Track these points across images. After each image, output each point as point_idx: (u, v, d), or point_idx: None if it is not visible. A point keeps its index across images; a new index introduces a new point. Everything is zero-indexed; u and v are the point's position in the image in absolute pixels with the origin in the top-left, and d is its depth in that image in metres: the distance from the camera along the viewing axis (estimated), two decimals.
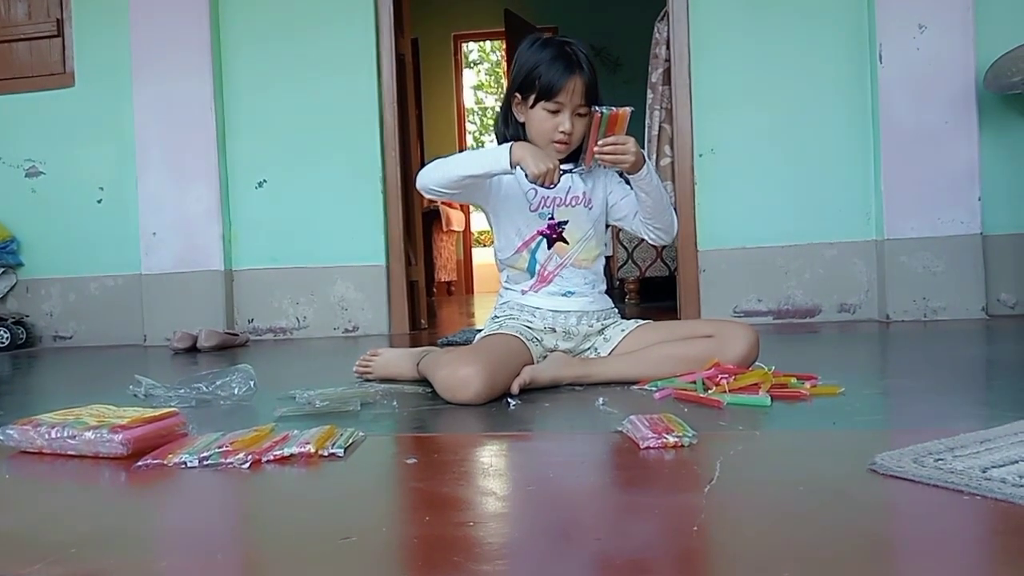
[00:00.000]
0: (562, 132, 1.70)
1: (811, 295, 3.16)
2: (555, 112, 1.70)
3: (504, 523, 0.89)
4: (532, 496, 0.98)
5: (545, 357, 1.76)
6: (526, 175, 1.62)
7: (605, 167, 1.71)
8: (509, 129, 1.78)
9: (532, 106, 1.73)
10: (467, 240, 7.86)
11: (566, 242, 1.79)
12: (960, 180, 2.98)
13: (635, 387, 1.65)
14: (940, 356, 2.23)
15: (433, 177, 1.70)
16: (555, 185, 1.63)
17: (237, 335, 3.23)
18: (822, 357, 2.30)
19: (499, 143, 1.78)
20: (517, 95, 1.77)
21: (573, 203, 1.79)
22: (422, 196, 4.46)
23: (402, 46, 3.58)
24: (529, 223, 1.79)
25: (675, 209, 1.86)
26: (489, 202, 1.80)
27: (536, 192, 1.78)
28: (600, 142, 1.63)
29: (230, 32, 3.50)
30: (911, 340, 2.56)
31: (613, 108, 1.65)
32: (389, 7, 3.44)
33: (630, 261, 4.52)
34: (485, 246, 12.57)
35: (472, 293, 7.67)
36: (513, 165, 1.62)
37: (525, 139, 1.74)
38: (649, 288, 4.72)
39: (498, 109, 1.91)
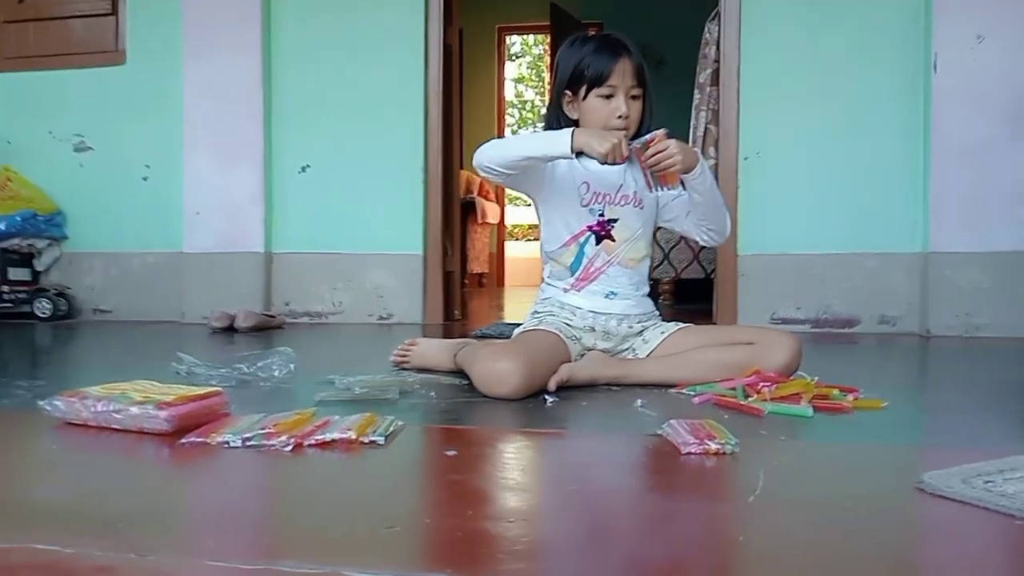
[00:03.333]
0: (619, 116, 1.69)
1: (851, 305, 3.12)
2: (609, 97, 1.71)
3: (546, 522, 0.89)
4: (574, 496, 0.98)
5: (583, 355, 1.75)
6: (596, 159, 1.62)
7: (665, 188, 1.69)
8: (561, 127, 1.77)
9: (585, 97, 1.73)
10: (500, 233, 7.88)
11: (613, 240, 1.78)
12: (1011, 196, 2.92)
13: (673, 390, 1.64)
14: (983, 374, 2.19)
15: (491, 155, 1.70)
16: (627, 159, 1.62)
17: (274, 317, 3.27)
18: (861, 369, 2.27)
19: None
20: (568, 92, 1.77)
21: (623, 202, 1.78)
22: (460, 187, 4.45)
23: (450, 36, 3.58)
24: (580, 217, 1.78)
25: (728, 208, 1.84)
26: (541, 192, 1.80)
27: (589, 187, 1.77)
28: (644, 157, 1.63)
29: (280, 16, 3.53)
30: (953, 356, 2.52)
31: (645, 137, 1.65)
32: None
33: (666, 262, 4.49)
34: (517, 239, 12.56)
35: (503, 286, 7.69)
36: (575, 150, 1.61)
37: None
38: (684, 290, 4.69)
39: (543, 111, 1.91)
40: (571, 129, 1.64)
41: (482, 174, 1.73)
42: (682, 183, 1.70)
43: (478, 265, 6.90)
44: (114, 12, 3.72)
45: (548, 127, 1.81)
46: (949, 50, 2.95)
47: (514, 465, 1.16)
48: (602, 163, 1.63)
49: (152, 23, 3.64)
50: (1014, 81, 2.91)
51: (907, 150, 3.08)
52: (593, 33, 1.80)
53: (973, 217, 2.95)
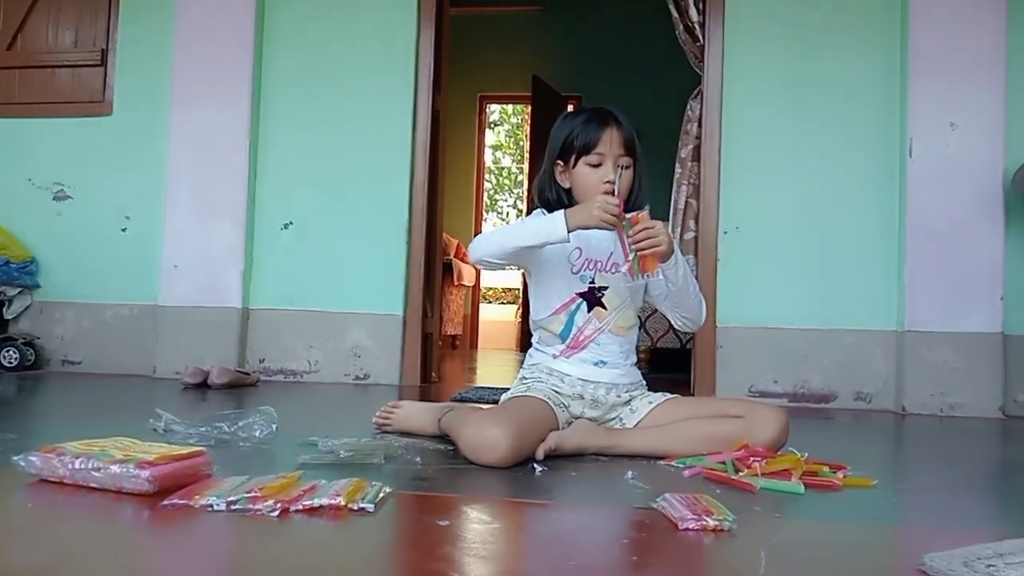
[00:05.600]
0: (607, 182, 1.72)
1: (828, 381, 3.14)
2: (597, 166, 1.74)
3: None
4: (577, 573, 0.95)
5: (570, 423, 1.74)
6: (595, 228, 1.64)
7: (646, 276, 1.68)
8: (553, 194, 1.80)
9: (575, 165, 1.76)
10: (475, 295, 7.88)
11: (604, 307, 1.79)
12: (983, 278, 2.99)
13: (662, 463, 1.63)
14: (962, 454, 2.20)
15: (488, 250, 1.73)
16: (622, 216, 1.63)
17: (248, 374, 3.21)
18: (841, 445, 2.27)
19: (544, 209, 1.81)
20: (559, 163, 1.80)
21: (613, 270, 1.79)
22: (444, 249, 4.45)
23: (438, 103, 3.63)
24: (570, 285, 1.79)
25: (703, 296, 1.87)
26: (535, 262, 1.81)
27: (581, 252, 1.78)
28: (631, 232, 1.64)
29: (271, 74, 3.56)
30: (930, 435, 2.53)
31: (631, 213, 1.67)
32: (429, 64, 3.51)
33: (642, 330, 4.52)
34: (491, 302, 12.57)
35: (476, 348, 7.65)
36: (571, 231, 1.64)
37: (570, 204, 1.77)
38: (659, 358, 4.70)
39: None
40: (561, 212, 1.66)
41: (480, 266, 1.75)
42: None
43: (452, 327, 6.87)
44: (103, 63, 3.73)
45: (541, 194, 1.83)
46: (924, 135, 3.05)
47: (509, 538, 1.13)
48: (607, 229, 1.65)
49: (141, 76, 3.65)
50: (986, 168, 3.01)
51: (883, 230, 3.16)
52: (585, 107, 1.84)
53: (947, 297, 3.01)
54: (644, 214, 1.65)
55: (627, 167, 1.75)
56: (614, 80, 6.81)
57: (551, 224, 1.66)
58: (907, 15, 3.11)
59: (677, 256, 1.73)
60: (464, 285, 7.06)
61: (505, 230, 1.77)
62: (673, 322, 1.87)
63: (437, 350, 3.79)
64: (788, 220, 3.22)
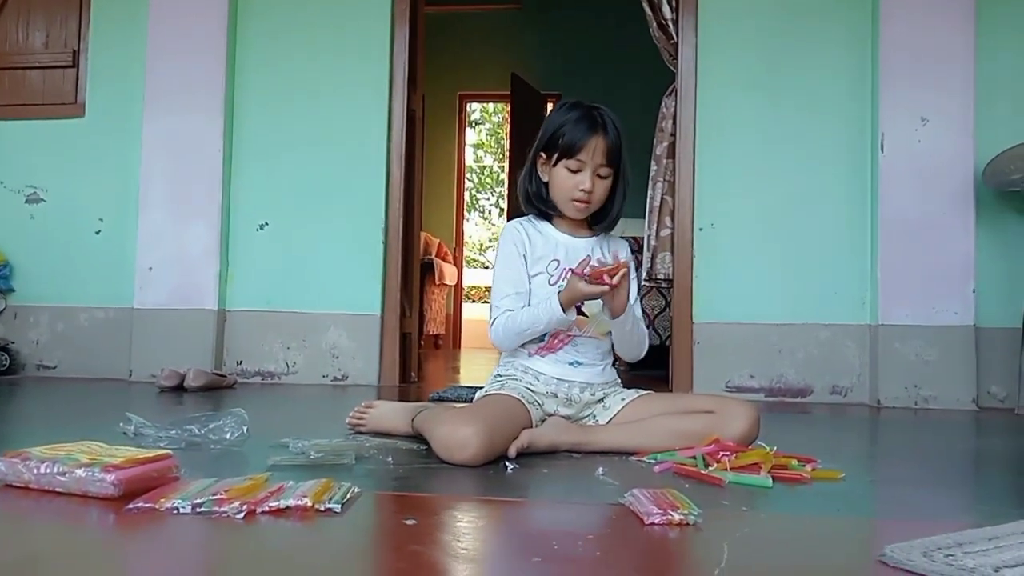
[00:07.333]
0: (582, 190, 1.72)
1: (803, 375, 3.16)
2: (576, 171, 1.73)
3: None
4: (537, 568, 0.96)
5: (544, 421, 1.74)
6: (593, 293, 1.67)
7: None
8: (532, 186, 1.80)
9: (555, 164, 1.76)
10: (457, 295, 7.87)
11: (585, 315, 1.79)
12: (955, 271, 3.03)
13: (634, 458, 1.64)
14: (933, 446, 2.22)
15: (513, 340, 1.77)
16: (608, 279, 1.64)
17: (225, 376, 3.19)
18: (815, 439, 2.29)
19: (522, 200, 1.84)
20: (542, 154, 1.80)
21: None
22: (421, 247, 4.45)
23: (413, 101, 3.63)
24: (548, 295, 1.78)
25: (646, 335, 1.88)
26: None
27: (558, 264, 1.79)
28: (610, 270, 1.65)
29: (245, 74, 3.54)
30: (904, 428, 2.56)
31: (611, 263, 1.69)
32: (404, 63, 3.50)
33: None
34: (474, 301, 12.57)
35: (459, 348, 7.66)
36: (566, 310, 1.68)
37: (547, 198, 1.77)
38: None
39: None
40: (556, 297, 1.68)
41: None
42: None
43: (435, 326, 6.87)
44: (75, 65, 3.69)
45: (520, 184, 1.84)
46: (895, 131, 3.08)
47: (475, 535, 1.13)
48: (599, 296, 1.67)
49: (113, 78, 3.62)
50: (957, 162, 3.04)
51: (856, 224, 3.18)
52: (584, 101, 1.81)
53: (919, 291, 3.04)
54: (624, 265, 1.66)
55: (605, 177, 1.75)
56: (592, 77, 6.82)
57: (554, 312, 1.68)
58: (878, 11, 3.13)
59: (627, 315, 1.74)
60: (446, 284, 7.05)
61: (518, 323, 1.74)
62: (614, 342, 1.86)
63: (416, 350, 3.78)
64: (762, 216, 3.25)
